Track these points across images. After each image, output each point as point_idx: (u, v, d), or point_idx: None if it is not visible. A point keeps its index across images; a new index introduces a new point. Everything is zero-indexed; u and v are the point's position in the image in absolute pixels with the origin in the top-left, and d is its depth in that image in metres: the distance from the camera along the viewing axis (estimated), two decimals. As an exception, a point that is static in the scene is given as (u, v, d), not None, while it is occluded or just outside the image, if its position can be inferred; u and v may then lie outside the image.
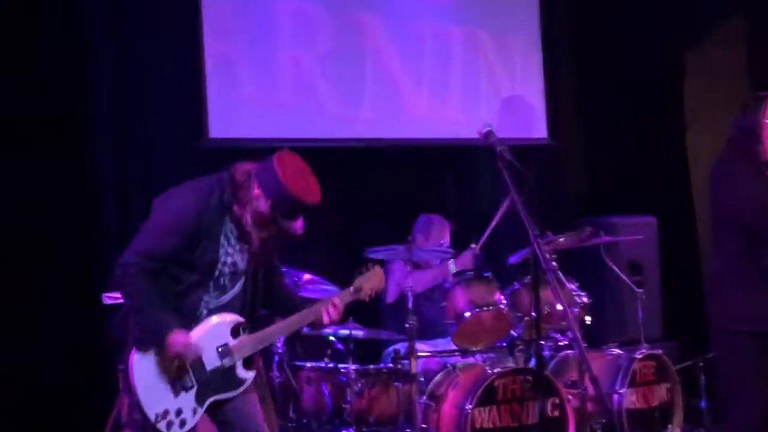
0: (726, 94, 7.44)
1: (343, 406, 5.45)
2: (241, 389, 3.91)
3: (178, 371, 3.78)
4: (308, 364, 5.64)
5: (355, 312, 5.52)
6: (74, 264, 5.76)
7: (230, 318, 3.90)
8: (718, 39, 7.75)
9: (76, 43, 5.90)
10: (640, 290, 6.19)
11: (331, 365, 5.59)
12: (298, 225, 3.89)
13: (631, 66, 7.71)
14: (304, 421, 5.57)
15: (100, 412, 5.15)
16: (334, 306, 4.09)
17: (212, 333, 3.87)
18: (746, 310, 4.33)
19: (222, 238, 3.85)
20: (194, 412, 3.82)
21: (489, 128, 4.10)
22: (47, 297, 5.64)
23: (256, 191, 3.81)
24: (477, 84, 7.27)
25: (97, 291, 5.36)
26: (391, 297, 6.10)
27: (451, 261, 5.92)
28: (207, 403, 3.85)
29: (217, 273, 3.85)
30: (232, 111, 6.40)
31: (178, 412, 3.78)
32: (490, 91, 7.31)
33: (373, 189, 6.88)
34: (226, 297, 3.91)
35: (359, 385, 5.46)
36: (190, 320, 3.84)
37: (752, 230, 4.30)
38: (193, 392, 3.82)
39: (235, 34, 6.40)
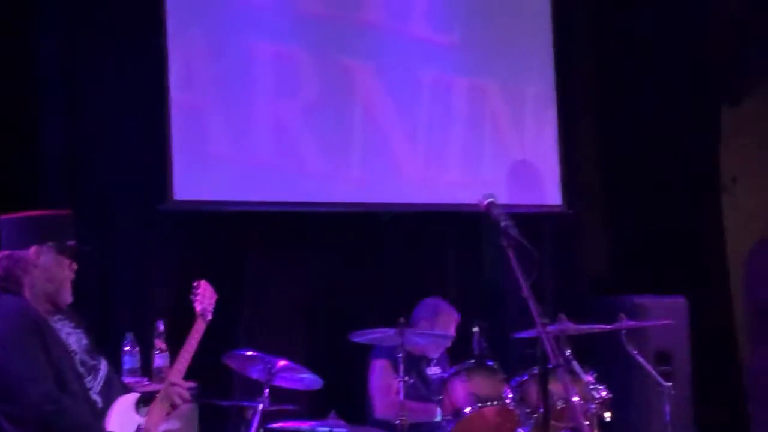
0: (769, 157, 7.59)
1: None
2: None
3: None
4: (282, 466, 5.63)
5: (336, 405, 5.58)
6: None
7: (130, 397, 4.27)
8: (760, 96, 7.89)
9: (24, 81, 5.98)
10: (669, 384, 6.20)
11: (309, 468, 5.58)
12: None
13: (661, 125, 7.82)
14: None
15: None
16: (174, 385, 4.34)
17: (124, 420, 4.19)
18: None
19: (51, 324, 4.17)
20: None
21: (491, 199, 4.15)
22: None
23: (25, 253, 4.14)
24: (482, 141, 7.38)
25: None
26: (379, 411, 6.07)
27: (439, 408, 5.85)
28: None
29: (75, 356, 4.18)
30: (201, 169, 6.45)
31: None
32: (496, 149, 7.41)
33: (360, 262, 6.93)
34: (101, 374, 4.25)
35: (341, 491, 5.45)
36: (92, 411, 4.12)
37: None
38: None
39: (205, 82, 6.50)
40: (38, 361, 4.00)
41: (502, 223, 4.07)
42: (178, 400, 4.34)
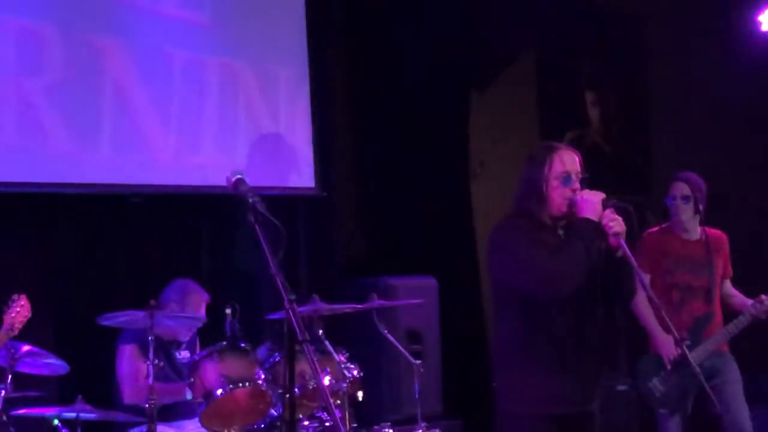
0: (517, 140, 7.87)
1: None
2: None
3: None
4: (25, 455, 5.50)
5: (84, 390, 5.47)
6: None
7: None
8: (507, 78, 8.19)
9: None
10: (418, 361, 6.38)
11: (53, 455, 5.45)
12: None
13: (414, 107, 8.01)
14: None
15: None
16: None
17: None
18: (534, 390, 4.41)
19: None
20: None
21: (239, 176, 4.17)
22: None
23: None
24: (235, 123, 7.36)
25: None
26: (128, 397, 5.95)
27: (188, 389, 5.76)
28: None
29: None
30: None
31: None
32: (250, 132, 7.42)
33: (110, 244, 6.82)
34: None
35: (88, 478, 5.37)
36: None
37: (532, 301, 4.37)
38: None
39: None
40: None
41: (250, 199, 4.09)
42: None
